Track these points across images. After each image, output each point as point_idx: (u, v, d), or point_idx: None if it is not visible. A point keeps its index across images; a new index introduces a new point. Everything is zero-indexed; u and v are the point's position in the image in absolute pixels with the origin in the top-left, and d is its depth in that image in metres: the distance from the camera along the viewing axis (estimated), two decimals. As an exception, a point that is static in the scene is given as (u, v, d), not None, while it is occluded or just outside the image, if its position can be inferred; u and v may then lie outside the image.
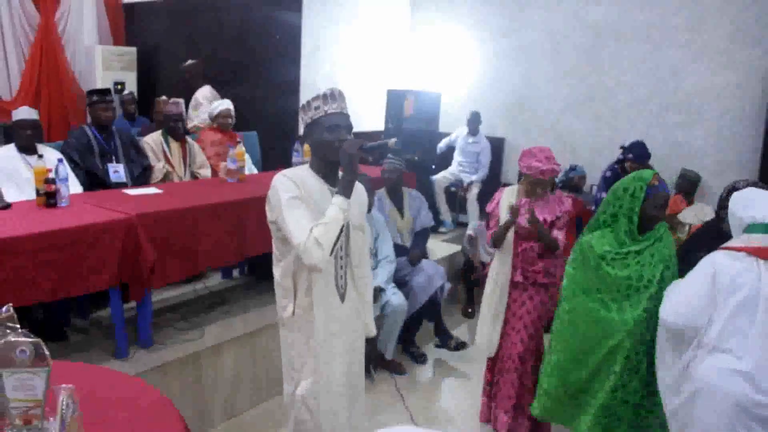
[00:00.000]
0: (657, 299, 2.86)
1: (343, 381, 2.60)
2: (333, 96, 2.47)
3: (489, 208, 4.00)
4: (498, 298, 3.83)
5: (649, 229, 3.05)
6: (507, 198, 3.88)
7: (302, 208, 2.35)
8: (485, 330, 3.89)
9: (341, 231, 2.33)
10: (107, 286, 3.35)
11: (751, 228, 2.64)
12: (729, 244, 2.67)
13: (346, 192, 2.35)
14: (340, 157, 2.36)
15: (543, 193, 3.78)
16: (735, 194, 2.81)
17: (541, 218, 3.69)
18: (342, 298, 2.56)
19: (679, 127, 6.80)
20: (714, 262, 2.60)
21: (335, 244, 2.32)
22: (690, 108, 6.72)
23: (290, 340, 2.57)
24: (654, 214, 3.00)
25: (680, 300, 2.67)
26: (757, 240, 2.57)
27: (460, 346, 4.98)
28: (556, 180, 5.87)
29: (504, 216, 3.77)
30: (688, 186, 6.22)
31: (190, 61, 7.29)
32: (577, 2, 7.28)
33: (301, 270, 2.43)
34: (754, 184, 5.26)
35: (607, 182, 5.91)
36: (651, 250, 3.02)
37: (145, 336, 3.66)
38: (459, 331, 5.49)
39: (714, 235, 3.26)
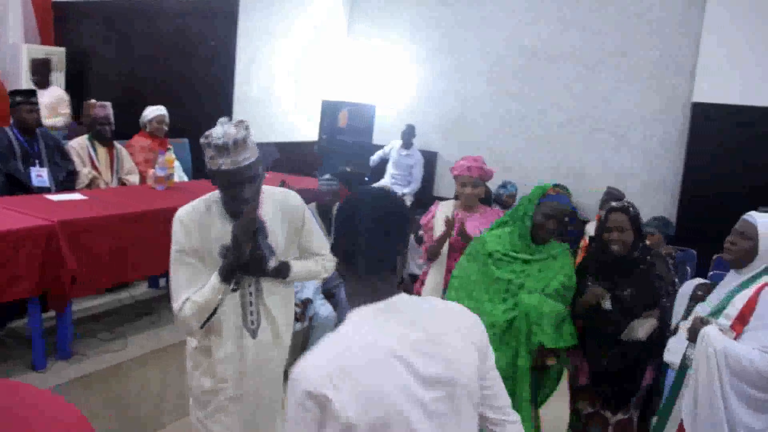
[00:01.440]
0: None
1: (253, 413, 2.50)
2: (226, 148, 2.18)
3: (424, 220, 4.04)
4: None
5: (543, 241, 3.11)
6: (443, 211, 3.95)
7: (188, 267, 2.27)
8: None
9: (215, 309, 2.27)
10: (26, 296, 3.24)
11: None
12: None
13: (227, 277, 2.23)
14: (232, 233, 2.22)
15: (478, 207, 3.88)
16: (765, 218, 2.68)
17: (477, 232, 3.74)
18: (254, 334, 2.43)
19: (608, 148, 7.04)
20: None
21: (208, 320, 2.28)
22: (618, 130, 6.97)
23: (193, 374, 2.48)
24: (540, 222, 3.06)
25: None
26: None
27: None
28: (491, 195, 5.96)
29: (439, 229, 3.82)
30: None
31: (40, 57, 7.13)
32: (513, 25, 7.46)
33: None
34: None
35: None
36: (540, 265, 3.09)
37: (65, 347, 3.55)
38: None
39: (600, 259, 3.17)
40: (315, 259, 2.54)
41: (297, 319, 4.49)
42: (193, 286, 2.27)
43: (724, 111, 6.11)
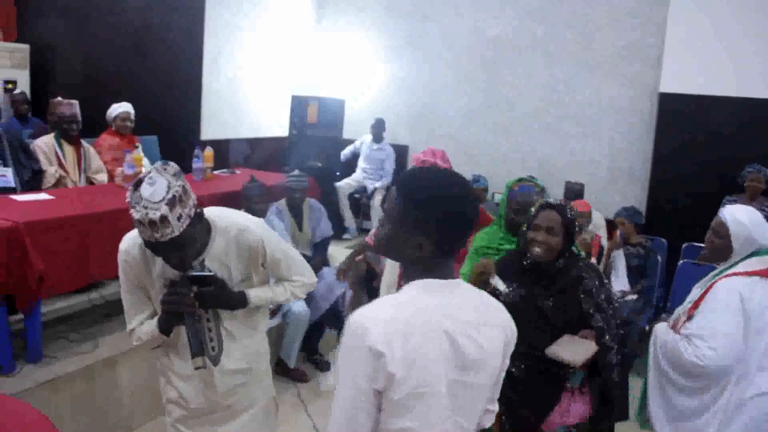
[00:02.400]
0: None
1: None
2: (149, 224, 1.94)
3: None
4: None
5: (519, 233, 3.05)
6: None
7: (131, 295, 2.28)
8: None
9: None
10: (-9, 298, 3.19)
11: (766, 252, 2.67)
12: (740, 269, 2.63)
13: (163, 330, 2.21)
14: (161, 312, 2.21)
15: None
16: (742, 216, 2.69)
17: None
18: (215, 360, 2.31)
19: (574, 138, 7.09)
20: (736, 289, 2.55)
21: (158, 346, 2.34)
22: (584, 120, 7.03)
23: (161, 380, 2.45)
24: (510, 217, 3.17)
25: (721, 342, 2.51)
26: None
27: None
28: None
29: None
30: (573, 195, 6.43)
31: None
32: (476, 15, 7.49)
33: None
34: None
35: None
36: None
37: (35, 350, 3.50)
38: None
39: (516, 262, 2.82)
40: (284, 285, 2.45)
41: (272, 314, 4.49)
42: (139, 314, 2.28)
43: (691, 101, 6.19)
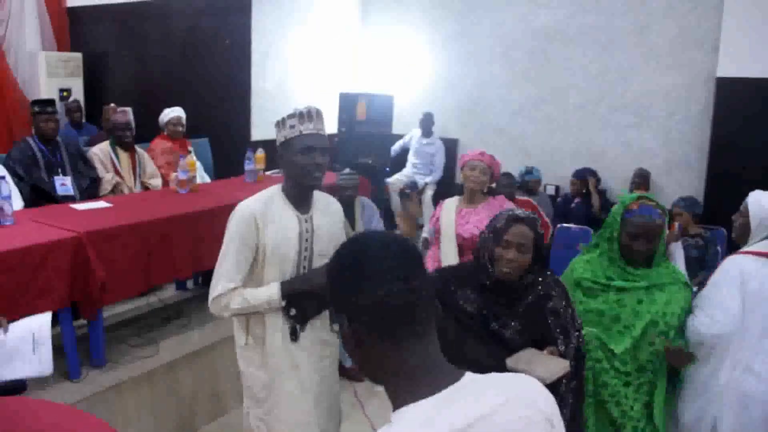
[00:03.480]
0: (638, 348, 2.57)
1: (310, 409, 2.50)
2: (310, 115, 2.33)
3: (431, 223, 4.00)
4: None
5: (645, 265, 2.63)
6: (447, 210, 3.87)
7: (238, 255, 2.32)
8: None
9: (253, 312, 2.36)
10: (56, 307, 3.25)
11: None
12: (753, 248, 2.65)
13: (286, 294, 2.33)
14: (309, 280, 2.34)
15: (481, 199, 3.80)
16: (763, 198, 2.71)
17: (482, 225, 3.66)
18: (303, 327, 2.48)
19: (628, 128, 6.92)
20: (740, 265, 2.58)
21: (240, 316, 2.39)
22: (639, 109, 6.85)
23: (247, 371, 2.52)
24: (626, 243, 2.59)
25: (719, 311, 2.53)
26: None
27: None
28: (515, 181, 5.90)
29: (446, 229, 3.76)
30: (643, 182, 6.31)
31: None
32: (525, 6, 7.35)
33: None
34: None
35: None
36: (640, 295, 2.60)
37: (98, 356, 3.58)
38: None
39: (478, 276, 2.44)
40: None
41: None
42: (239, 275, 2.33)
43: (750, 85, 5.96)
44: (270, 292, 2.30)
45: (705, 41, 6.40)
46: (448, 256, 3.75)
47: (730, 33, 6.09)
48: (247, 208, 2.34)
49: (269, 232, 2.32)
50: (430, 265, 3.89)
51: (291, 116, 2.32)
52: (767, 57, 5.90)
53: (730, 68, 6.10)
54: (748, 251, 2.64)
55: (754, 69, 5.95)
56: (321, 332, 2.50)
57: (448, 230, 3.77)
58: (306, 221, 2.39)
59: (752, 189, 3.36)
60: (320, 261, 2.42)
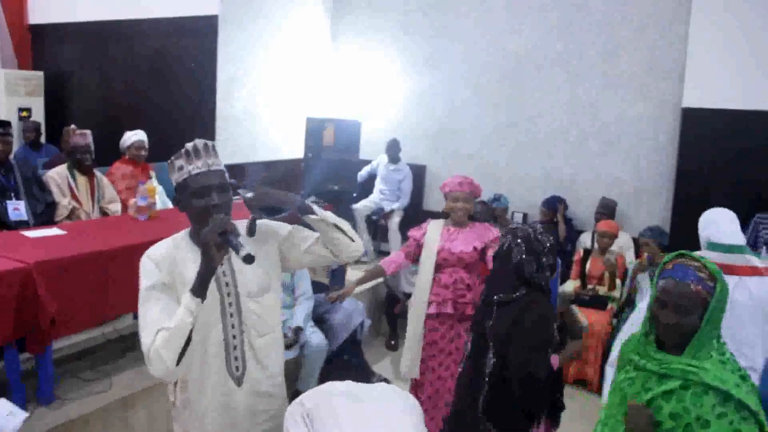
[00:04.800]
0: None
1: None
2: (197, 151, 2.09)
3: (415, 233, 3.99)
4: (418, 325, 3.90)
5: (678, 345, 2.00)
6: (434, 228, 3.94)
7: (158, 302, 2.01)
8: (409, 356, 3.91)
9: (189, 337, 1.94)
10: (2, 343, 3.09)
11: (710, 246, 3.23)
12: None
13: (198, 290, 1.95)
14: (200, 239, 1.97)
15: (468, 223, 3.91)
16: (704, 214, 3.26)
17: (470, 246, 3.78)
18: (238, 381, 2.21)
19: (597, 156, 6.95)
20: None
21: (182, 353, 1.94)
22: (608, 137, 6.89)
23: (175, 426, 2.33)
24: (655, 313, 2.04)
25: None
26: (716, 257, 2.95)
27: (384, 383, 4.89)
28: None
29: (430, 246, 3.84)
30: (609, 212, 6.33)
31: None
32: (496, 33, 7.37)
33: None
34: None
35: None
36: (671, 384, 1.96)
37: (47, 391, 3.40)
38: (383, 365, 5.40)
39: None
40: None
41: (288, 347, 4.36)
42: (166, 323, 1.99)
43: (715, 115, 6.05)
44: (184, 302, 1.95)
45: (672, 72, 6.47)
46: (425, 270, 3.88)
47: (695, 64, 6.17)
48: (148, 256, 2.12)
49: (176, 273, 2.10)
50: (389, 268, 4.02)
51: (177, 156, 2.11)
52: (731, 88, 5.99)
53: (695, 98, 6.18)
54: None
55: (719, 99, 6.04)
56: (262, 384, 2.27)
57: (432, 246, 3.86)
58: (221, 263, 2.08)
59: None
60: (250, 303, 2.20)
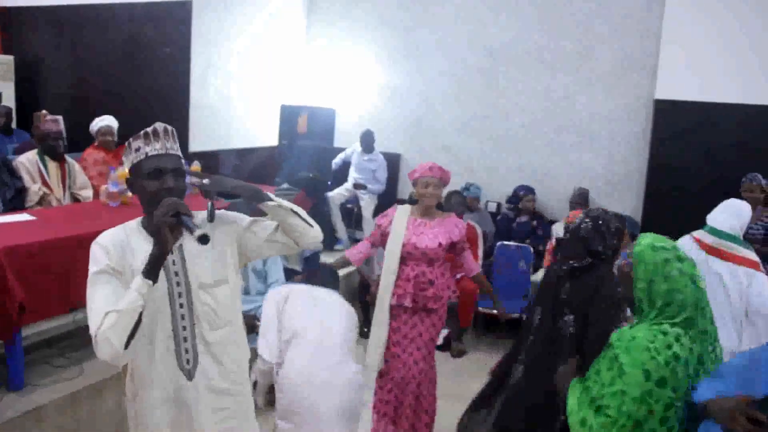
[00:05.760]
0: None
1: None
2: (156, 134, 2.06)
3: (381, 221, 3.98)
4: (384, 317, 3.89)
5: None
6: (400, 216, 3.90)
7: (107, 285, 1.96)
8: (376, 349, 3.90)
9: (139, 320, 1.88)
10: (-31, 329, 3.08)
11: (705, 228, 3.71)
12: (695, 234, 3.74)
13: (150, 272, 1.90)
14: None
15: (436, 213, 3.87)
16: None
17: (436, 242, 3.75)
18: (189, 374, 2.11)
19: (572, 149, 7.04)
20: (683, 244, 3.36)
21: (131, 337, 1.88)
22: (582, 130, 6.97)
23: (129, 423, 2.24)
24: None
25: None
26: (704, 237, 3.69)
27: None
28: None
29: (396, 232, 3.80)
30: (583, 201, 6.39)
31: None
32: (473, 24, 7.40)
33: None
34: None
35: None
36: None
37: (16, 378, 3.38)
38: (356, 351, 5.40)
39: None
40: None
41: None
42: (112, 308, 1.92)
43: (686, 107, 6.15)
44: (133, 285, 1.90)
45: (645, 65, 6.56)
46: (391, 261, 3.83)
47: (667, 57, 6.26)
48: (97, 243, 2.08)
49: (125, 261, 2.05)
50: (355, 258, 4.04)
51: (136, 137, 2.07)
52: (702, 81, 6.09)
53: (667, 91, 6.27)
54: (694, 236, 3.76)
55: (690, 92, 6.13)
56: (217, 380, 2.17)
57: (398, 235, 3.82)
58: (171, 252, 2.02)
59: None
60: (201, 295, 2.12)
